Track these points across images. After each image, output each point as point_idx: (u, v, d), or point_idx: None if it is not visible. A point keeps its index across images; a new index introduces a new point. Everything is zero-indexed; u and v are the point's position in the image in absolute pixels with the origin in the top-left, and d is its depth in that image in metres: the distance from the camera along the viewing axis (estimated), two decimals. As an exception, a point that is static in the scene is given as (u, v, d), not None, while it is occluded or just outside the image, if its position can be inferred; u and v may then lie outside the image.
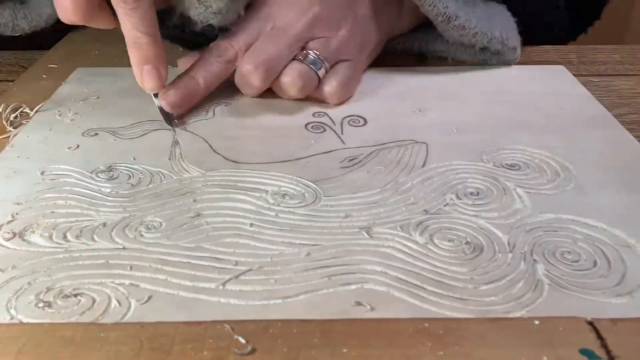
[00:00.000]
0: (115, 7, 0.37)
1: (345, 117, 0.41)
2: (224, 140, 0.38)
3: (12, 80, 0.50)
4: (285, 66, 0.41)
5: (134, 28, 0.37)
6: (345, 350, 0.22)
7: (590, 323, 0.23)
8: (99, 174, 0.34)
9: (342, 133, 0.39)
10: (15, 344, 0.23)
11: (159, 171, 0.35)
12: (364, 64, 0.47)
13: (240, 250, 0.28)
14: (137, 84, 0.40)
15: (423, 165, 0.35)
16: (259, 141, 0.38)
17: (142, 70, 0.39)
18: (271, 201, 0.32)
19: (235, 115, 0.42)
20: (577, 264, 0.27)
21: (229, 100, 0.44)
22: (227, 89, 0.44)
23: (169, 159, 0.36)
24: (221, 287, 0.26)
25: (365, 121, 0.41)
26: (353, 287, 0.26)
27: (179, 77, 0.41)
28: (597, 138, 0.38)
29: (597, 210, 0.30)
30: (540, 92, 0.44)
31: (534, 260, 0.27)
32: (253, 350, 0.22)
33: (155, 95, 0.41)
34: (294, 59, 0.41)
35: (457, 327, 0.23)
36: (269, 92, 0.43)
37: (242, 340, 0.23)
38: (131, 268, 0.27)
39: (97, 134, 0.39)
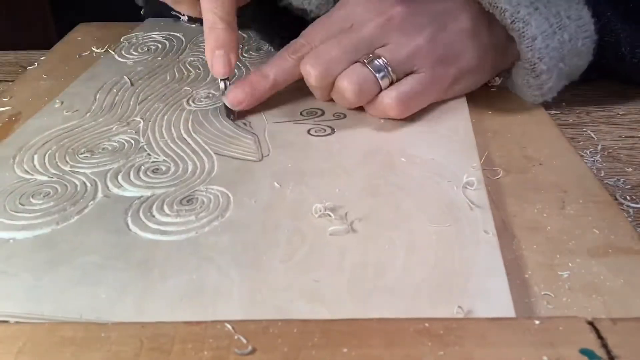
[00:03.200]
0: None
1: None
2: None
3: (12, 80, 0.50)
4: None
5: (213, 12, 0.38)
6: (345, 350, 0.22)
7: (590, 323, 0.23)
8: None
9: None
10: (15, 344, 0.23)
11: None
12: (441, 81, 0.40)
13: None
14: None
15: None
16: None
17: (212, 55, 0.39)
18: None
19: None
20: None
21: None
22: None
23: None
24: None
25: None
26: None
27: (249, 73, 0.42)
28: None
29: None
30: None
31: None
32: (253, 350, 0.22)
33: (223, 91, 0.41)
34: (357, 61, 0.39)
35: (457, 327, 0.23)
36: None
37: (243, 340, 0.23)
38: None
39: None
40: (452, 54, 0.40)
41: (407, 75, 0.39)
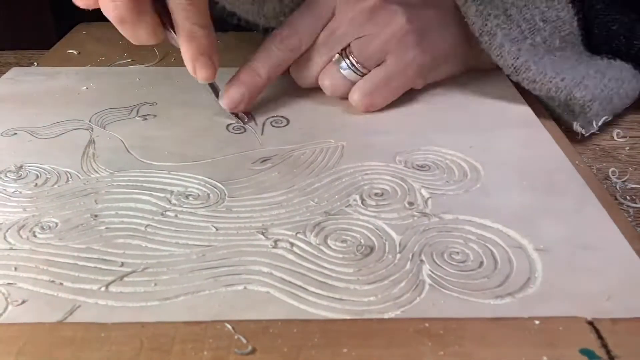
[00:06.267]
0: (172, 2, 0.36)
1: (269, 118, 0.41)
2: (141, 140, 0.38)
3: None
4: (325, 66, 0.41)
5: (190, 21, 0.36)
6: (345, 350, 0.22)
7: (590, 323, 0.23)
8: (8, 174, 0.34)
9: (262, 134, 0.39)
10: (15, 344, 0.23)
11: (67, 171, 0.34)
12: (412, 66, 0.41)
13: (130, 252, 0.28)
14: (67, 84, 0.44)
15: (334, 167, 0.35)
16: (176, 142, 0.38)
17: (195, 62, 0.37)
18: (174, 202, 0.31)
19: (158, 115, 0.41)
20: (463, 265, 0.27)
21: (154, 100, 0.43)
22: (157, 88, 0.45)
23: (80, 159, 0.35)
24: (103, 289, 0.25)
25: (288, 122, 0.40)
26: (236, 288, 0.25)
27: (239, 70, 0.41)
28: (515, 138, 0.38)
29: (496, 211, 0.30)
30: (468, 92, 0.44)
31: (421, 260, 0.27)
32: (253, 350, 0.22)
33: (215, 94, 0.41)
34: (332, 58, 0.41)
35: (457, 327, 0.23)
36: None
37: (243, 340, 0.23)
38: (16, 269, 0.26)
39: (15, 133, 0.38)
40: (426, 40, 0.41)
41: (378, 65, 0.41)
